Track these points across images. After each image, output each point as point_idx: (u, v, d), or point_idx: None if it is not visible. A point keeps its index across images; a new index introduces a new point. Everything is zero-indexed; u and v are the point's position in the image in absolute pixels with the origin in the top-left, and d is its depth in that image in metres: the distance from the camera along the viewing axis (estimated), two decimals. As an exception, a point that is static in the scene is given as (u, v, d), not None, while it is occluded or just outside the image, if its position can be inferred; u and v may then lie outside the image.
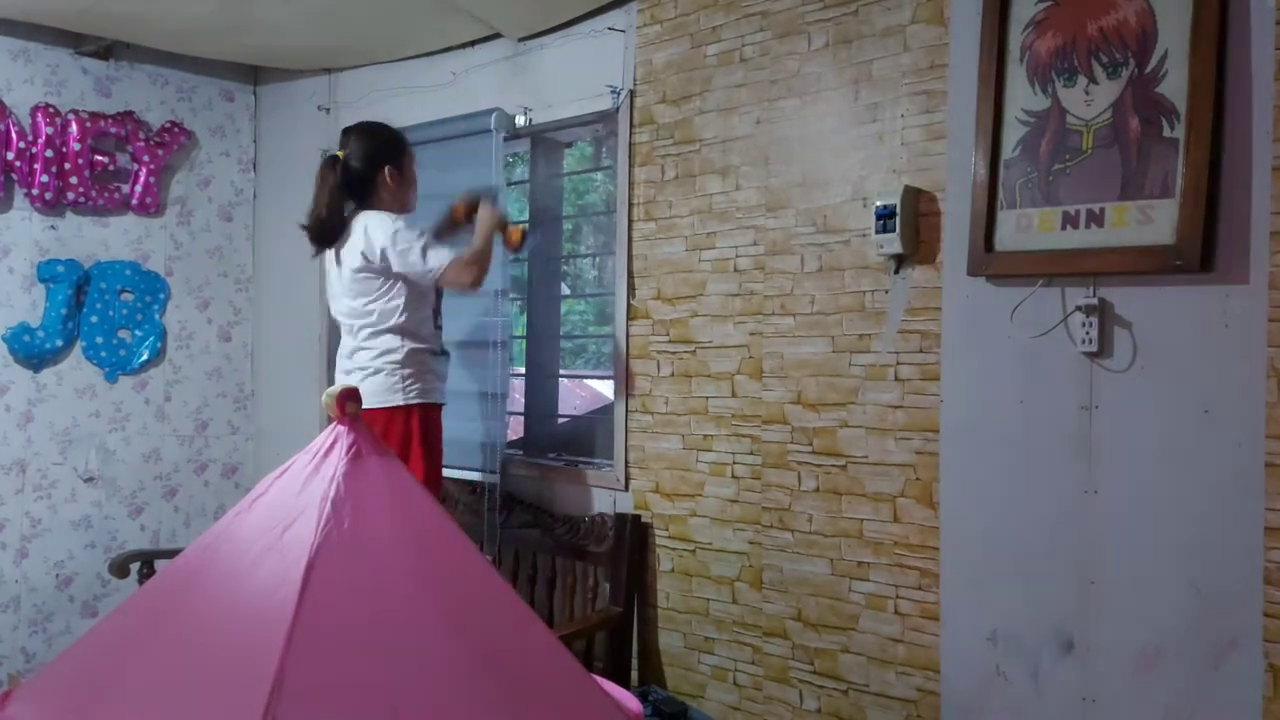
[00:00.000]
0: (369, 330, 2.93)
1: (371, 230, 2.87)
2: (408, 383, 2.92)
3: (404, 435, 2.89)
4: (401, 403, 2.90)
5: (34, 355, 3.91)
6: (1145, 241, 2.20)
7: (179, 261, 4.28)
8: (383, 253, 2.85)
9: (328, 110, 4.22)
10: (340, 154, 2.95)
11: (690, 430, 3.07)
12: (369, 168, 2.96)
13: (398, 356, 2.91)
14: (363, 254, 2.87)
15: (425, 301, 2.98)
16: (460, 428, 3.26)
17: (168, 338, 4.25)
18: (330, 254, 2.98)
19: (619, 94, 3.26)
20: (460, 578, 1.65)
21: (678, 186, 3.12)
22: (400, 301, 2.91)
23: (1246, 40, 2.11)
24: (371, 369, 2.90)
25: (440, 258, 2.87)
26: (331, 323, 4.20)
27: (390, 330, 2.91)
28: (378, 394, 2.85)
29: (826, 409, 2.76)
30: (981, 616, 2.46)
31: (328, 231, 2.94)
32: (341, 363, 3.02)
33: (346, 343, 3.01)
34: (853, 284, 2.72)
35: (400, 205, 3.01)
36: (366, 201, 2.96)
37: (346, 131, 3.06)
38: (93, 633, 1.76)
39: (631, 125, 3.24)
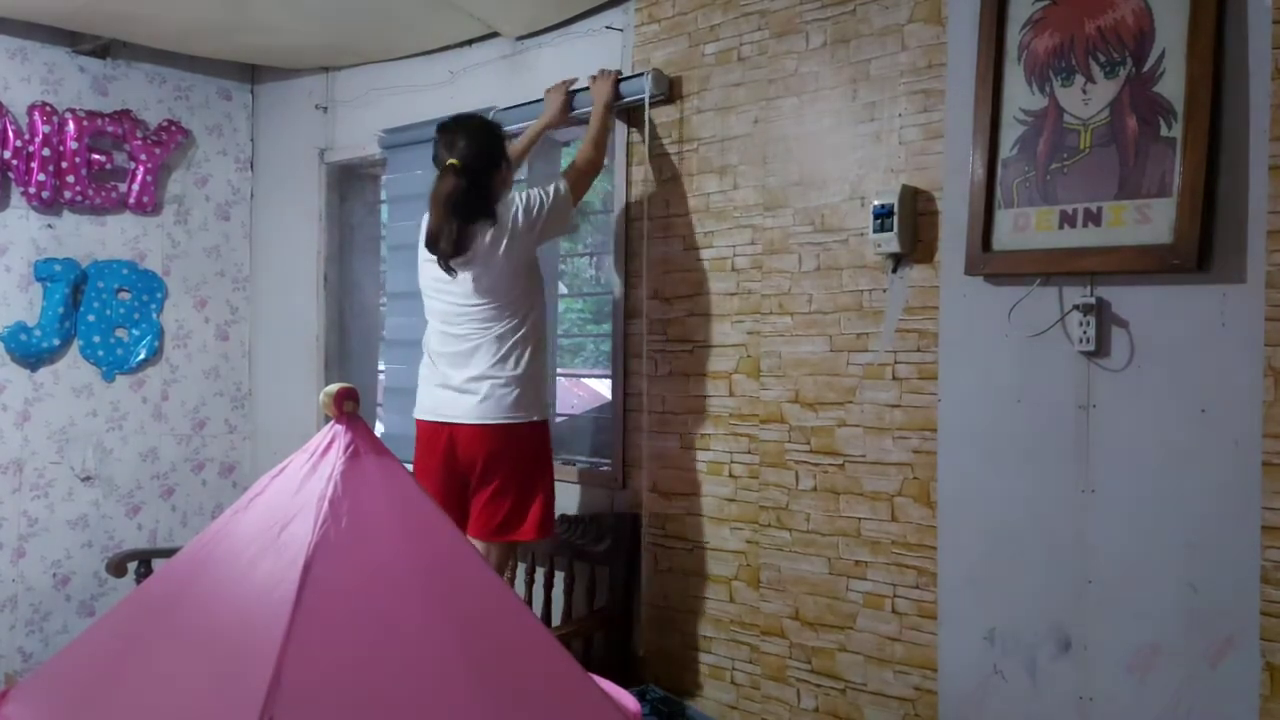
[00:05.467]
0: (508, 340, 2.79)
1: (514, 214, 2.79)
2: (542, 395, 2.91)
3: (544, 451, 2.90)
4: (541, 416, 2.89)
5: (31, 354, 3.90)
6: (1143, 241, 2.20)
7: (176, 260, 4.28)
8: (529, 221, 2.79)
9: (325, 109, 4.22)
10: (455, 161, 2.72)
11: (688, 429, 3.07)
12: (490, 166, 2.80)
13: (537, 365, 2.86)
14: (519, 228, 2.77)
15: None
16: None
17: (165, 337, 4.24)
18: (433, 269, 2.81)
19: (616, 93, 3.25)
20: (457, 577, 1.65)
21: (675, 185, 3.12)
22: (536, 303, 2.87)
23: (1244, 39, 2.11)
24: (514, 379, 2.79)
25: (558, 182, 2.88)
26: (329, 321, 4.24)
27: (532, 333, 2.83)
28: (530, 408, 2.82)
29: (824, 408, 2.76)
30: (979, 615, 2.46)
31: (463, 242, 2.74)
32: (451, 376, 2.82)
33: (466, 368, 2.80)
34: (850, 283, 2.72)
35: (509, 186, 2.92)
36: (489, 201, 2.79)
37: (448, 130, 2.81)
38: (90, 632, 1.76)
39: (629, 124, 3.24)
